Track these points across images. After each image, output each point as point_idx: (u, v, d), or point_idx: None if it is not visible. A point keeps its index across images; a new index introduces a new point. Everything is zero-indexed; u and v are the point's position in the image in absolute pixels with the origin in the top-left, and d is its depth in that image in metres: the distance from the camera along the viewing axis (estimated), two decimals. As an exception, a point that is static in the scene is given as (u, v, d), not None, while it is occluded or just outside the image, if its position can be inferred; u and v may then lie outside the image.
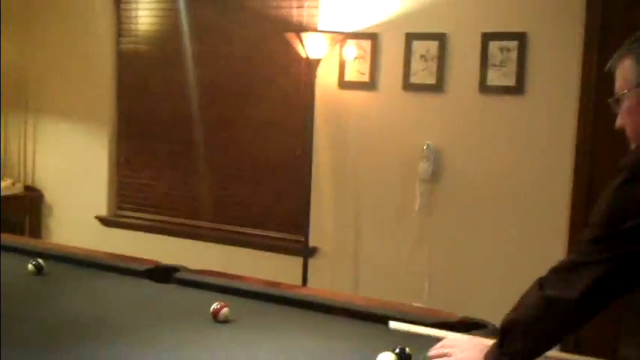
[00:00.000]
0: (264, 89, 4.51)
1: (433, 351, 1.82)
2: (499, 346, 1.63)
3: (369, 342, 2.05)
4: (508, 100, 3.79)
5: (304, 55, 4.00)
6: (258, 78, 4.53)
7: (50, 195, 5.35)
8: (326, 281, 4.21)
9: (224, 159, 4.68)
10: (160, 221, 4.89)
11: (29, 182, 5.37)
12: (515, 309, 1.61)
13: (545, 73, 3.70)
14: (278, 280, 2.80)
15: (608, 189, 1.44)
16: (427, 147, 3.95)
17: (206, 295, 2.54)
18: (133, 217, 5.01)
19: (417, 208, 3.96)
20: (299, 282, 4.11)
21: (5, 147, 5.36)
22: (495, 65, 3.78)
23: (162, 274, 2.78)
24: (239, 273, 2.86)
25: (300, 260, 4.21)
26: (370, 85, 4.14)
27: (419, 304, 3.42)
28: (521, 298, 1.61)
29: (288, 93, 4.40)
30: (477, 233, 3.86)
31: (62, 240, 5.05)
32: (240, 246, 4.56)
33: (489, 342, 1.71)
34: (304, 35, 3.95)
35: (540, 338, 1.56)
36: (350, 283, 4.21)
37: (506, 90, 3.78)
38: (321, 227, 4.33)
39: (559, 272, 1.52)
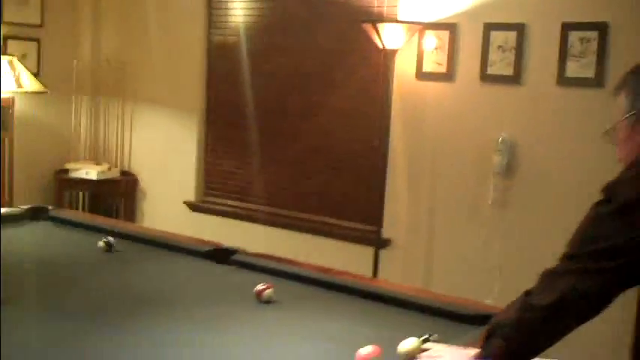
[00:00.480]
0: (345, 79, 4.56)
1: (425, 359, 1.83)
2: (482, 348, 1.64)
3: (407, 330, 2.04)
4: (587, 93, 3.66)
5: (381, 46, 4.01)
6: (339, 68, 4.58)
7: (144, 180, 5.61)
8: (396, 272, 4.22)
9: (304, 148, 4.76)
10: (242, 208, 5.04)
11: (125, 167, 5.65)
12: (501, 313, 1.65)
13: (625, 65, 3.54)
14: (349, 270, 2.83)
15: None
16: (502, 140, 3.88)
17: (258, 276, 2.61)
18: (218, 203, 5.19)
19: (489, 201, 3.89)
20: (369, 272, 4.13)
21: (104, 133, 5.66)
22: (575, 56, 3.66)
23: (222, 255, 2.89)
24: (313, 260, 2.91)
25: (372, 251, 4.23)
26: (447, 76, 4.10)
27: (489, 301, 3.37)
28: (510, 303, 1.64)
29: (367, 83, 4.43)
30: (551, 229, 3.75)
31: (153, 223, 5.30)
32: (316, 234, 4.63)
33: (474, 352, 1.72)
34: (380, 26, 3.97)
35: (516, 340, 1.57)
36: (421, 275, 4.20)
37: (585, 82, 3.65)
38: (395, 218, 4.33)
39: (541, 280, 1.55)
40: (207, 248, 2.95)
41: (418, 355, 1.87)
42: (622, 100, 1.59)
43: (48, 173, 5.50)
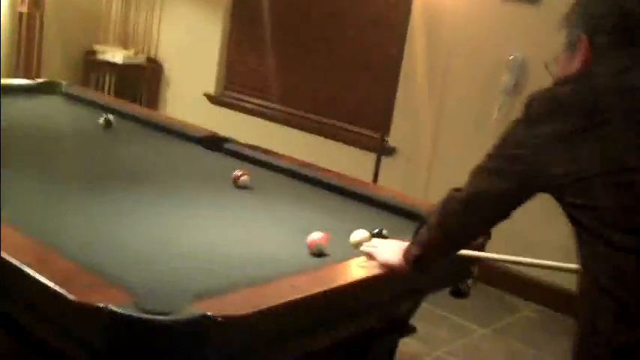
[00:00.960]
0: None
1: (364, 249, 1.97)
2: (413, 237, 1.75)
3: (365, 225, 2.15)
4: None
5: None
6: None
7: (169, 68, 5.71)
8: (398, 180, 4.30)
9: (324, 52, 4.78)
10: (258, 105, 5.12)
11: (152, 54, 5.74)
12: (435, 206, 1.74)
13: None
14: (352, 175, 2.89)
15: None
16: (513, 58, 3.86)
17: (242, 164, 2.73)
18: (236, 98, 5.28)
19: (494, 117, 3.91)
20: (371, 178, 4.22)
21: (134, 19, 5.74)
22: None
23: (214, 143, 3.01)
24: (320, 162, 2.98)
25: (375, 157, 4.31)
26: (470, -10, 4.06)
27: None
28: None
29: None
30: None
31: (173, 112, 5.43)
32: (327, 137, 4.71)
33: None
34: None
35: (437, 230, 1.67)
36: (421, 185, 4.28)
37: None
38: (403, 128, 4.39)
39: (469, 176, 1.62)
40: (201, 134, 3.07)
41: (365, 244, 2.00)
42: (563, 34, 1.59)
43: (77, 53, 5.62)
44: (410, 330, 2.40)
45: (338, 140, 4.67)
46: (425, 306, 3.55)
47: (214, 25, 5.34)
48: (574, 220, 1.44)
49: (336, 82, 4.73)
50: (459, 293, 2.38)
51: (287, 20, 4.96)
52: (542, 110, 1.47)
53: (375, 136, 4.45)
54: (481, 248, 2.17)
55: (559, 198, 1.45)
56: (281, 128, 4.95)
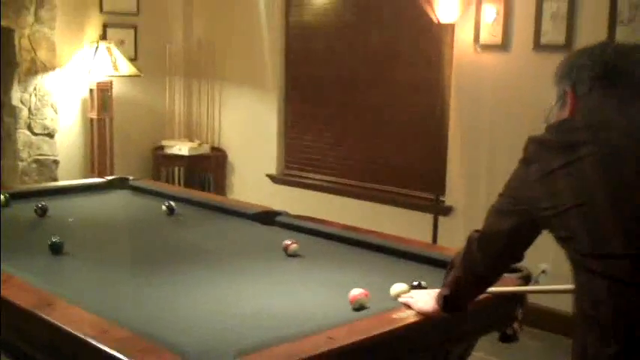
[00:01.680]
0: (408, 53, 4.74)
1: (402, 299, 2.10)
2: (443, 283, 1.86)
3: (406, 278, 2.27)
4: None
5: (435, 20, 4.17)
6: (402, 42, 4.77)
7: (232, 155, 6.01)
8: (456, 238, 4.37)
9: (372, 120, 4.98)
10: (316, 179, 5.33)
11: (215, 143, 6.07)
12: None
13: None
14: (410, 237, 3.02)
15: None
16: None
17: (294, 235, 2.89)
18: (296, 175, 5.51)
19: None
20: (429, 239, 4.32)
21: (196, 112, 6.10)
22: (623, 23, 3.68)
23: (267, 217, 3.19)
24: (379, 228, 3.13)
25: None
26: (503, 47, 4.20)
27: (544, 265, 3.50)
28: None
29: (429, 56, 4.58)
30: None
31: (240, 195, 5.70)
32: (383, 203, 4.85)
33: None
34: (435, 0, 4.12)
35: (460, 269, 1.80)
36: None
37: (635, 47, 3.66)
38: (457, 186, 4.49)
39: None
40: (255, 211, 3.27)
41: (402, 296, 2.12)
42: (553, 88, 1.74)
43: (146, 150, 6.00)
44: (463, 379, 2.46)
45: (394, 205, 4.81)
46: (490, 358, 3.61)
47: (270, 109, 5.63)
48: (566, 255, 1.55)
49: (386, 147, 4.91)
50: (507, 338, 2.44)
51: (335, 94, 5.21)
52: (533, 152, 1.60)
53: (430, 197, 4.57)
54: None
55: (553, 233, 1.57)
56: (339, 199, 5.13)
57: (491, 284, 1.88)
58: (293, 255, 2.67)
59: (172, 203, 3.34)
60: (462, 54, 4.39)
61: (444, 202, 4.53)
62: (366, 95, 5.01)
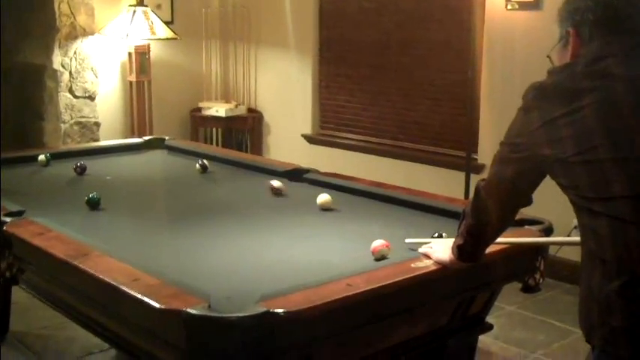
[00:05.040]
0: (439, 13, 4.73)
1: (422, 250, 2.17)
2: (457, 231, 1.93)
3: (427, 231, 2.35)
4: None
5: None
6: (434, 2, 4.76)
7: (268, 116, 6.09)
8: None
9: (405, 81, 5.00)
10: (351, 139, 5.39)
11: (252, 105, 6.15)
12: None
13: None
14: (442, 193, 3.08)
15: None
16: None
17: (325, 191, 2.97)
18: (330, 135, 5.57)
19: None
20: (462, 196, 4.35)
21: (232, 74, 6.19)
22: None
23: (296, 174, 3.27)
24: (412, 186, 3.19)
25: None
26: (535, 4, 4.17)
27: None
28: None
29: (460, 15, 4.57)
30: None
31: (276, 155, 5.79)
32: (417, 162, 4.89)
33: None
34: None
35: (470, 217, 1.85)
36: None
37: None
38: (490, 144, 4.50)
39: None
40: (285, 169, 3.35)
41: (423, 246, 2.18)
42: (557, 27, 1.75)
43: (184, 111, 6.11)
44: (486, 327, 2.53)
45: (427, 163, 4.84)
46: (521, 312, 3.67)
47: (304, 70, 5.68)
48: (568, 199, 1.59)
49: (419, 107, 4.93)
50: (529, 288, 2.49)
51: (367, 55, 5.22)
52: (533, 99, 1.63)
53: (462, 155, 4.59)
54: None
55: (554, 179, 1.61)
56: (373, 158, 5.17)
57: (501, 231, 1.91)
58: (327, 209, 2.75)
59: (205, 161, 3.44)
60: (493, 12, 4.36)
61: (476, 159, 4.55)
62: (399, 56, 5.02)
